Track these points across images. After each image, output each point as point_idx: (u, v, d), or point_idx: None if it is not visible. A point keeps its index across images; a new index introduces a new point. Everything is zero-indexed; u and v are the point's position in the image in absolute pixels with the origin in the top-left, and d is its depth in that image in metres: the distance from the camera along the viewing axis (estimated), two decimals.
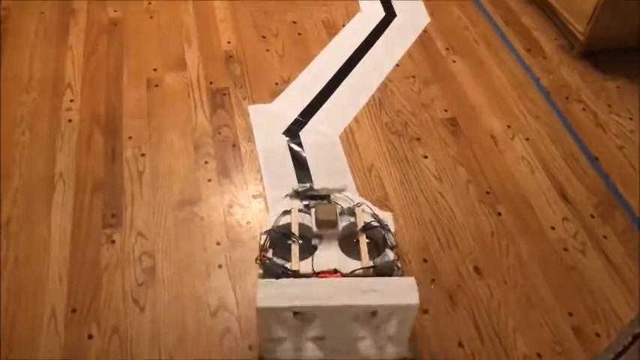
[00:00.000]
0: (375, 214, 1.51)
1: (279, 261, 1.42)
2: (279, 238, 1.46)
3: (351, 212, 1.51)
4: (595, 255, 1.67)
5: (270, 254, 1.42)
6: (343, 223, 1.49)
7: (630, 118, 2.05)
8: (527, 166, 1.88)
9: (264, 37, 2.29)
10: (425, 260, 1.64)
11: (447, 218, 1.73)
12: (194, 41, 2.23)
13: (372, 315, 1.40)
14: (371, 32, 2.37)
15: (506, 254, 1.66)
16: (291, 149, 1.90)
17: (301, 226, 1.48)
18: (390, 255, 1.44)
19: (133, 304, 1.50)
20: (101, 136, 1.87)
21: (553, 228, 1.72)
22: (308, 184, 1.58)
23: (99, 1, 2.37)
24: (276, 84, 2.11)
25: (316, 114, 2.03)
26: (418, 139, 1.95)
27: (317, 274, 1.38)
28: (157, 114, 1.96)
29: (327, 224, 1.47)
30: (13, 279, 1.52)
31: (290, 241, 1.44)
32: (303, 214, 1.50)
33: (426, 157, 1.89)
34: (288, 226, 1.47)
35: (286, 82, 2.12)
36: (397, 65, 2.21)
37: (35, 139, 1.85)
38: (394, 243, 1.46)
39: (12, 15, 2.29)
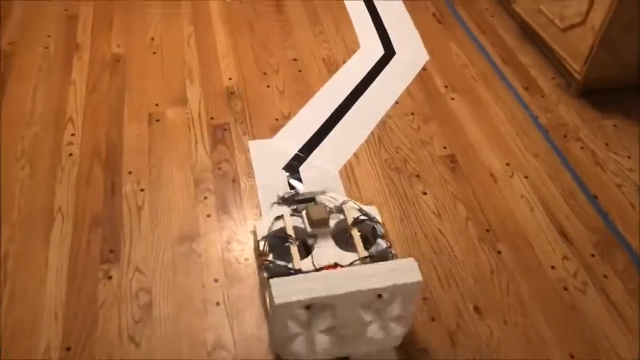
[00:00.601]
0: (361, 208, 1.61)
1: (281, 263, 1.48)
2: (277, 242, 1.53)
3: (339, 210, 1.60)
4: (596, 294, 1.66)
5: (271, 258, 1.49)
6: (333, 220, 1.58)
7: (628, 157, 2.06)
8: (526, 204, 1.88)
9: (265, 73, 2.32)
10: (424, 298, 1.62)
11: (446, 256, 1.73)
12: (196, 77, 2.26)
13: (377, 298, 1.46)
14: (370, 69, 2.40)
15: (507, 293, 1.65)
16: (290, 185, 1.90)
17: (295, 228, 1.55)
18: (382, 244, 1.54)
19: (128, 341, 1.47)
20: (101, 171, 1.88)
21: (553, 267, 1.71)
22: (293, 191, 1.68)
23: (102, 37, 2.41)
24: (277, 120, 2.13)
25: (316, 150, 2.05)
26: (417, 175, 1.96)
27: (319, 270, 1.44)
28: (157, 149, 1.97)
29: (319, 223, 1.55)
30: (8, 315, 1.50)
31: (287, 243, 1.51)
32: (294, 217, 1.58)
33: (425, 193, 1.90)
34: (283, 229, 1.55)
35: (286, 117, 2.14)
36: (396, 102, 2.24)
37: (35, 173, 1.86)
38: (383, 232, 1.57)
39: (17, 49, 2.32)
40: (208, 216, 1.78)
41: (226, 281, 1.62)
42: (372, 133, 2.10)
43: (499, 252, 1.75)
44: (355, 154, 2.03)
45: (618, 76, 2.23)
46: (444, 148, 2.06)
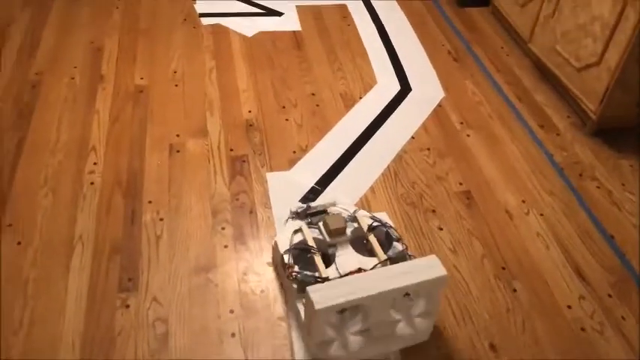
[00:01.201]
0: (373, 215, 1.68)
1: (308, 273, 1.53)
2: (299, 254, 1.59)
3: (353, 219, 1.68)
4: (613, 335, 1.64)
5: (297, 269, 1.53)
6: (349, 229, 1.65)
7: None
8: (542, 242, 1.88)
9: (283, 107, 2.37)
10: (439, 335, 1.61)
11: (462, 292, 1.73)
12: (216, 109, 2.31)
13: (404, 297, 1.52)
14: (387, 105, 2.44)
15: (522, 331, 1.64)
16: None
17: (315, 239, 1.62)
18: (398, 246, 1.61)
19: None
20: (122, 199, 1.91)
21: (569, 307, 1.70)
22: (305, 205, 1.73)
23: (126, 69, 2.48)
24: (294, 152, 2.16)
25: (333, 182, 2.07)
26: (433, 210, 1.97)
27: (343, 277, 1.49)
28: (177, 179, 2.01)
29: (338, 232, 1.62)
30: (27, 340, 1.52)
31: (310, 254, 1.57)
32: (311, 229, 1.64)
33: (441, 229, 1.91)
34: (304, 241, 1.61)
35: (304, 150, 2.17)
36: (412, 137, 2.27)
37: (57, 200, 1.90)
38: (398, 236, 1.64)
39: (44, 79, 2.39)
40: (225, 247, 1.80)
41: (242, 313, 1.63)
42: (388, 167, 2.13)
43: (515, 290, 1.74)
44: (371, 188, 2.05)
45: (634, 115, 2.25)
46: (460, 184, 2.07)
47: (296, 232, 1.63)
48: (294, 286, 1.53)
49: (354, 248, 1.62)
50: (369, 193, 2.03)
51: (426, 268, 1.43)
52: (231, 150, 2.14)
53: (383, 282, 1.40)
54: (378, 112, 2.39)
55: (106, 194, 1.93)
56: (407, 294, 1.51)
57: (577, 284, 1.76)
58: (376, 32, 2.90)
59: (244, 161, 2.11)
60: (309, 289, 1.37)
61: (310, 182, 2.06)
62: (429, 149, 2.21)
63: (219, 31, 2.78)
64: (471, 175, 2.11)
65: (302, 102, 2.40)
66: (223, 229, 1.86)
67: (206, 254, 1.78)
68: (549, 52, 2.47)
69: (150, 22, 2.81)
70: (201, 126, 2.23)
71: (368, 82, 2.54)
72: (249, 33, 2.78)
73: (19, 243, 1.75)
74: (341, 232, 1.62)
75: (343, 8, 3.06)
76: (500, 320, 1.66)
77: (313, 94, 2.45)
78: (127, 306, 1.62)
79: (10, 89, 2.34)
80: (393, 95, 2.49)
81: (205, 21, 2.85)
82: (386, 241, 1.64)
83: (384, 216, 1.70)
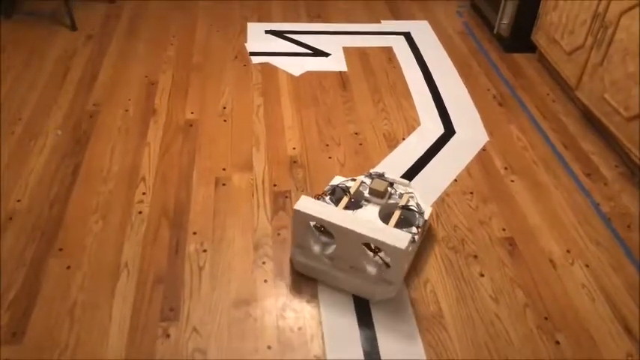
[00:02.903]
0: (418, 203, 1.93)
1: (329, 202, 1.92)
2: (339, 191, 1.96)
3: (400, 196, 1.95)
4: None
5: (327, 199, 1.93)
6: (391, 201, 1.93)
7: None
8: (587, 295, 1.83)
9: (327, 145, 2.41)
10: None
11: (503, 342, 1.69)
12: (262, 145, 2.37)
13: (376, 250, 1.78)
14: (430, 146, 2.46)
15: None
16: None
17: (358, 190, 1.95)
18: (413, 229, 1.83)
19: None
20: (168, 230, 1.97)
21: None
22: (381, 172, 2.03)
23: (178, 104, 2.58)
24: None
25: None
26: (475, 256, 1.95)
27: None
28: (221, 212, 2.05)
29: (376, 193, 1.92)
30: None
31: (344, 195, 1.92)
32: (364, 184, 1.97)
33: (482, 275, 1.88)
34: (345, 184, 1.96)
35: None
36: (455, 180, 2.26)
37: (107, 227, 1.96)
38: (420, 224, 1.86)
39: (100, 110, 2.51)
40: (265, 281, 1.82)
41: (279, 349, 1.64)
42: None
43: (557, 342, 1.69)
44: None
45: None
46: (503, 229, 2.05)
47: (352, 180, 1.99)
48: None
49: (380, 212, 1.89)
50: None
51: (396, 236, 1.65)
52: (275, 185, 2.18)
53: (353, 223, 1.67)
54: (421, 154, 2.40)
55: (153, 224, 1.99)
56: (377, 251, 1.77)
57: (624, 340, 1.70)
58: (421, 75, 2.94)
59: (287, 197, 2.14)
60: (302, 196, 1.75)
61: None
62: (472, 193, 2.20)
63: (268, 70, 2.87)
64: (514, 222, 2.09)
65: (345, 141, 2.44)
66: (264, 263, 1.88)
67: (246, 288, 1.80)
68: (597, 100, 2.45)
69: (202, 58, 2.93)
70: (247, 161, 2.29)
71: (411, 124, 2.57)
72: (297, 72, 2.86)
73: (68, 267, 1.82)
74: (376, 194, 1.91)
75: (389, 50, 3.12)
76: None
77: (356, 134, 2.48)
78: (168, 335, 1.64)
79: (70, 118, 2.46)
80: (437, 137, 2.50)
81: (255, 59, 2.95)
82: (408, 224, 1.87)
83: (429, 209, 1.95)
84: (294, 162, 2.30)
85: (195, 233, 1.96)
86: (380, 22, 3.44)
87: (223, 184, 2.17)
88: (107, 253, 1.87)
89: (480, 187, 2.24)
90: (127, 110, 2.52)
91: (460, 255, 1.95)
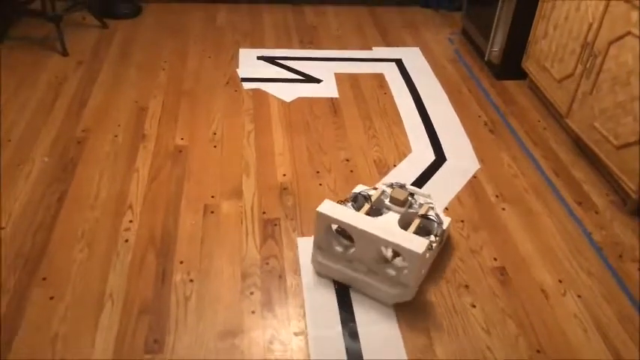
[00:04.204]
0: (437, 214, 1.97)
1: (351, 207, 1.97)
2: (360, 199, 2.01)
3: (420, 206, 2.00)
4: None
5: (348, 205, 1.98)
6: (411, 210, 1.98)
7: None
8: (579, 326, 1.81)
9: (317, 171, 2.39)
10: None
11: None
12: (252, 171, 2.35)
13: (394, 255, 1.84)
14: (421, 174, 2.44)
15: None
16: (335, 284, 1.90)
17: (378, 198, 2.00)
18: (432, 238, 1.87)
19: None
20: (154, 258, 1.93)
21: None
22: (402, 183, 2.09)
23: (168, 129, 2.56)
24: None
25: None
26: (466, 286, 1.92)
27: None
28: (209, 240, 2.02)
29: (396, 202, 1.98)
30: None
31: (366, 202, 1.96)
32: (385, 192, 2.02)
33: (474, 306, 1.85)
34: (367, 192, 2.02)
35: None
36: (446, 208, 2.25)
37: (92, 256, 1.93)
38: (439, 233, 1.91)
39: (89, 136, 2.49)
40: (253, 312, 1.79)
41: None
42: None
43: None
44: None
45: None
46: (495, 259, 2.03)
47: (374, 189, 2.05)
48: None
49: (400, 221, 1.92)
50: None
51: (413, 241, 1.70)
52: (264, 213, 2.16)
53: (372, 227, 1.73)
54: (412, 181, 2.39)
55: (139, 252, 1.95)
56: (395, 256, 1.83)
57: None
58: (412, 101, 2.94)
59: (276, 225, 2.12)
60: (325, 200, 1.83)
61: None
62: (462, 221, 2.19)
63: (259, 96, 2.87)
64: (505, 251, 2.07)
65: (336, 167, 2.42)
66: (252, 293, 1.85)
67: (233, 319, 1.76)
68: (587, 128, 2.45)
69: (193, 84, 2.93)
70: (237, 187, 2.26)
71: (402, 150, 2.56)
72: (288, 98, 2.86)
73: (51, 298, 1.78)
74: (397, 202, 1.97)
75: (380, 77, 3.14)
76: None
77: (347, 160, 2.47)
78: None
79: (58, 144, 2.43)
80: (428, 164, 2.50)
81: (246, 85, 2.95)
82: (423, 231, 1.91)
83: (447, 220, 2.01)
84: (284, 189, 2.29)
85: (182, 262, 1.93)
86: (371, 49, 3.46)
87: (212, 212, 2.14)
88: (92, 283, 1.83)
89: (470, 215, 2.22)
90: (116, 136, 2.50)
91: (451, 285, 1.92)
